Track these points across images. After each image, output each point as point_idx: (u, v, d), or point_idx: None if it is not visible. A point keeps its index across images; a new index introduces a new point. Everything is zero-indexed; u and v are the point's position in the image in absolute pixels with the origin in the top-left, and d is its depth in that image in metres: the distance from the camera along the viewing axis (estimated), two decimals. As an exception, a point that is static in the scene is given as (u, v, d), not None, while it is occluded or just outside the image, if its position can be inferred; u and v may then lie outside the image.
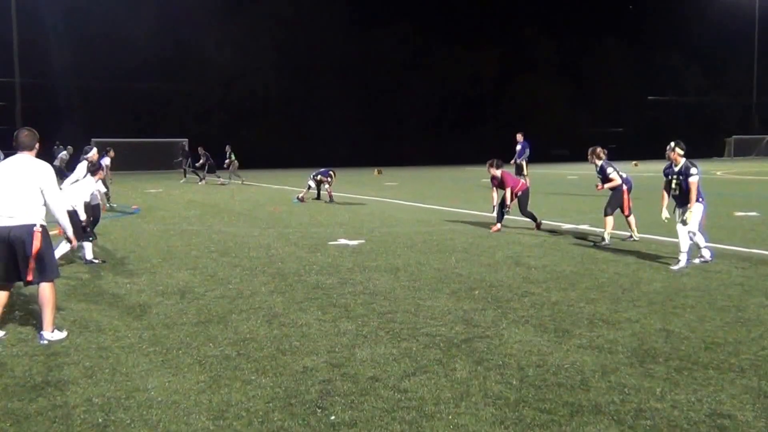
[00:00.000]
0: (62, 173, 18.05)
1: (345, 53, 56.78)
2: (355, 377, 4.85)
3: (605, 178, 11.59)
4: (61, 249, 8.92)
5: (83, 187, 9.58)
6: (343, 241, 11.52)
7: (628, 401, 4.41)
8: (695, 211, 9.18)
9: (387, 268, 9.09)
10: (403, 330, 6.05)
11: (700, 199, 9.42)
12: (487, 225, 13.93)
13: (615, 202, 11.43)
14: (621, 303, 7.04)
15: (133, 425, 4.05)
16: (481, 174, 38.47)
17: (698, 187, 9.32)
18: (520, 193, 13.35)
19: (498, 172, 13.33)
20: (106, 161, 17.93)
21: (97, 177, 9.90)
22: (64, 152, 26.23)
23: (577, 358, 5.27)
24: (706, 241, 9.48)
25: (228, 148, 30.96)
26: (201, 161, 30.39)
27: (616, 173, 11.50)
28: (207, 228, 13.69)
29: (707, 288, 7.69)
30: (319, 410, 4.27)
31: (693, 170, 9.43)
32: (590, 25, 65.97)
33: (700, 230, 9.29)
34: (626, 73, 67.49)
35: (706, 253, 9.38)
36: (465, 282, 8.13)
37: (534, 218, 13.31)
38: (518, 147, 25.58)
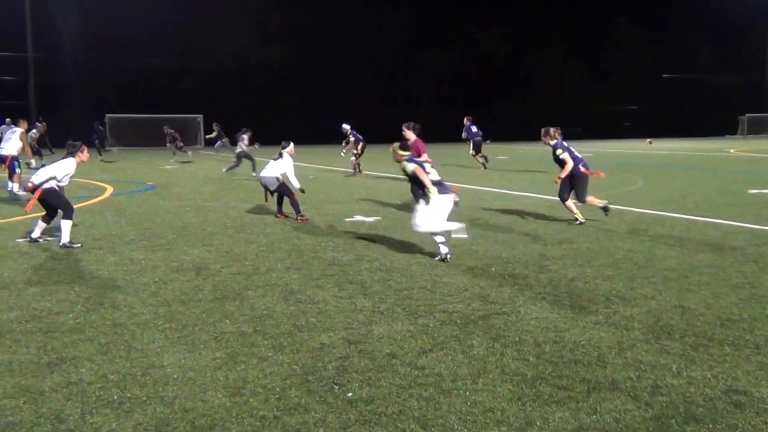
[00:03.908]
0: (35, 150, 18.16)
1: (357, 30, 56.34)
2: (372, 354, 4.80)
3: (557, 160, 10.79)
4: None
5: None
6: (359, 218, 11.45)
7: (645, 377, 4.35)
8: (432, 200, 7.90)
9: (403, 244, 9.01)
10: (420, 307, 5.99)
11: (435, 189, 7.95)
12: (499, 200, 13.82)
13: (582, 187, 10.66)
14: (637, 280, 6.94)
15: (149, 402, 4.02)
16: (496, 151, 38.20)
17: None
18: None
19: (412, 136, 11.49)
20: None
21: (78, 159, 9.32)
22: (34, 130, 25.93)
23: (593, 335, 5.20)
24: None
25: (217, 125, 30.45)
26: (213, 136, 30.11)
27: (568, 154, 10.67)
28: (223, 204, 13.66)
29: (722, 265, 7.57)
30: (336, 387, 4.23)
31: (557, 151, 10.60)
32: (603, 3, 65.02)
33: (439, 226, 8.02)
34: (640, 50, 66.62)
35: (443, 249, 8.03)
36: (481, 258, 8.05)
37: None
38: (473, 129, 25.40)
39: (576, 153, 10.80)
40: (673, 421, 3.75)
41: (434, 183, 8.02)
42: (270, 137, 47.75)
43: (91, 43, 46.96)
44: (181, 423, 3.74)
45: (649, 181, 18.76)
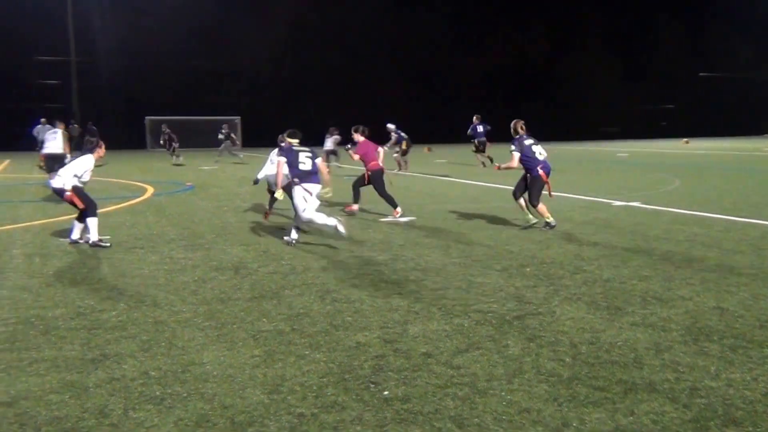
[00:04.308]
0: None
1: (393, 32, 56.38)
2: (407, 353, 4.80)
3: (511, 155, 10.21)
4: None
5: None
6: (393, 218, 11.46)
7: (683, 379, 4.27)
8: (296, 194, 9.08)
9: (438, 244, 9.00)
10: (455, 306, 5.97)
11: (296, 180, 9.11)
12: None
13: (537, 191, 10.03)
14: (674, 281, 6.83)
15: (189, 398, 4.07)
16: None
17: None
18: (370, 172, 11.99)
19: (360, 138, 12.13)
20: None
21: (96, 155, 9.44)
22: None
23: (630, 336, 5.13)
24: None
25: (226, 127, 30.87)
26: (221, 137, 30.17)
27: (517, 154, 10.03)
28: (260, 205, 13.77)
29: (761, 266, 7.42)
30: (373, 385, 4.23)
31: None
32: (641, 2, 64.06)
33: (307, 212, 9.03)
34: (678, 49, 65.42)
35: (293, 234, 9.28)
36: (516, 259, 8.00)
37: (393, 203, 11.93)
38: (479, 128, 25.44)
39: (538, 155, 10.07)
40: (712, 423, 3.68)
41: (302, 173, 9.10)
42: (307, 138, 48.19)
43: (132, 47, 47.72)
44: (220, 419, 3.78)
45: (686, 181, 18.44)
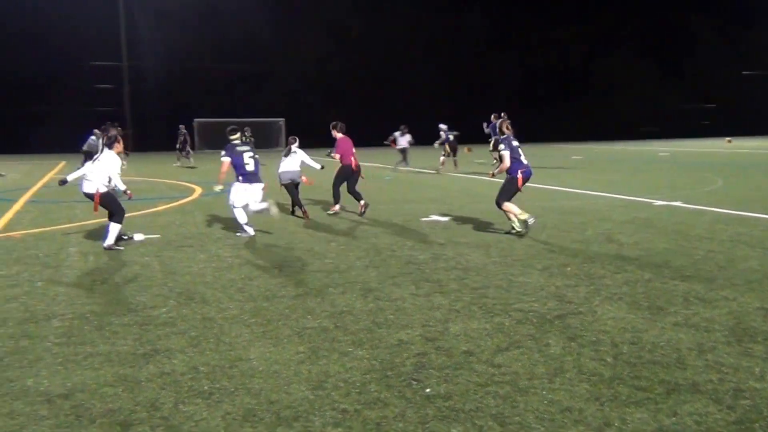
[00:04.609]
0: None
1: (432, 31, 56.26)
2: (449, 351, 4.78)
3: (500, 157, 9.75)
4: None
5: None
6: (434, 217, 11.43)
7: (727, 380, 4.17)
8: (234, 188, 9.92)
9: (478, 243, 8.94)
10: (495, 305, 5.93)
11: (240, 178, 9.97)
12: (573, 200, 13.54)
13: (507, 192, 9.54)
14: (717, 281, 6.66)
15: (236, 393, 4.12)
16: (570, 151, 37.44)
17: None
18: (343, 166, 12.30)
19: (339, 135, 12.48)
20: None
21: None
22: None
23: (672, 336, 5.02)
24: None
25: (248, 130, 31.07)
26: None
27: (507, 153, 9.51)
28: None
29: (810, 266, 7.19)
30: (415, 383, 4.23)
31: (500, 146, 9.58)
32: (678, 1, 62.69)
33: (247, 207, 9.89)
34: (718, 48, 63.81)
35: (249, 230, 9.92)
36: (556, 258, 7.90)
37: (359, 198, 12.18)
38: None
39: (523, 158, 9.62)
40: (757, 425, 3.58)
41: (247, 173, 10.00)
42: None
43: (180, 51, 48.55)
44: (266, 414, 3.82)
45: (728, 181, 17.99)
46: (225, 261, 8.11)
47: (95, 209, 9.01)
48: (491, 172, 10.41)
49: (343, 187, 12.32)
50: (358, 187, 12.44)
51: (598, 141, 53.77)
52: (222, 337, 5.17)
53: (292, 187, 12.43)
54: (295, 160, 12.42)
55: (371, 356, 4.70)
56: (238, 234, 9.93)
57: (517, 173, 9.43)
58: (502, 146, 9.56)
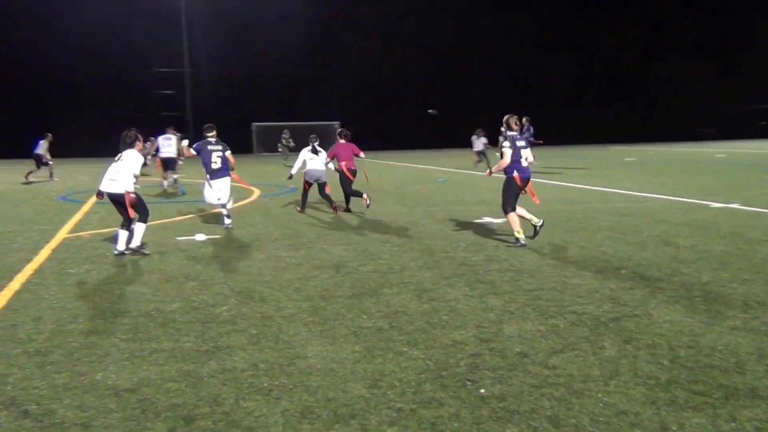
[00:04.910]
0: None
1: (485, 34, 55.84)
2: (503, 352, 4.73)
3: (501, 153, 9.08)
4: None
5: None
6: (487, 219, 11.34)
7: (788, 387, 4.01)
8: (205, 186, 11.01)
9: (532, 245, 8.83)
10: (549, 307, 5.84)
11: (208, 176, 10.98)
12: (627, 202, 13.23)
13: (508, 195, 8.96)
14: (778, 284, 6.42)
15: (295, 390, 4.16)
16: (623, 152, 36.65)
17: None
18: (341, 170, 12.85)
19: (341, 141, 13.08)
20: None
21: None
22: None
23: (731, 340, 4.86)
24: None
25: (287, 132, 31.37)
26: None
27: (509, 151, 8.89)
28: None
29: None
30: (469, 383, 4.20)
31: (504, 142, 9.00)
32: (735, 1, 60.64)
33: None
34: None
35: (227, 220, 11.01)
36: (611, 261, 7.74)
37: (330, 201, 12.87)
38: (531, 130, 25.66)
39: (524, 160, 9.01)
40: (823, 434, 3.44)
41: (213, 171, 10.95)
42: (403, 142, 48.41)
43: (240, 58, 49.45)
44: (324, 411, 3.85)
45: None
46: (283, 261, 8.21)
47: (131, 212, 8.61)
48: (489, 170, 9.93)
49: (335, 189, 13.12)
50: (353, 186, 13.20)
51: (651, 142, 52.45)
52: (280, 336, 5.24)
53: (316, 185, 13.09)
54: (321, 159, 13.05)
55: (426, 356, 4.69)
56: (224, 227, 10.91)
57: (513, 172, 8.89)
58: (506, 143, 8.89)
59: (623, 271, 7.16)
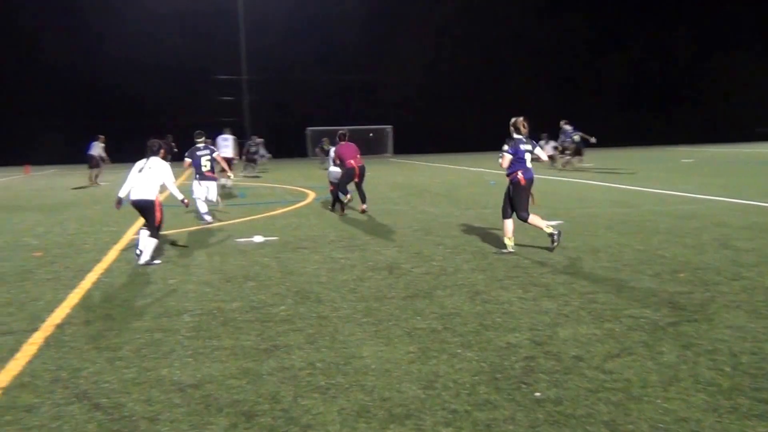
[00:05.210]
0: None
1: (537, 36, 55.13)
2: (558, 356, 4.66)
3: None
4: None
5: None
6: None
7: None
8: (194, 185, 12.37)
9: (586, 248, 8.67)
10: (605, 311, 5.72)
11: (197, 177, 12.46)
12: (685, 204, 12.85)
13: (522, 199, 8.54)
14: None
15: (351, 389, 4.18)
16: (680, 153, 35.61)
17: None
18: (346, 169, 13.16)
19: (341, 143, 13.49)
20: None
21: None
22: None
23: (797, 348, 4.67)
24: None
25: (327, 139, 31.06)
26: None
27: (509, 156, 8.44)
28: (411, 208, 13.95)
29: None
30: (524, 386, 4.15)
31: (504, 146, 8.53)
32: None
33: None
34: None
35: (207, 217, 12.16)
36: (669, 264, 7.53)
37: (364, 199, 13.40)
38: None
39: (528, 162, 8.58)
40: None
41: (202, 173, 12.51)
42: (455, 144, 48.16)
43: (294, 64, 50.08)
44: (379, 411, 3.86)
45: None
46: (338, 262, 8.27)
47: (159, 219, 8.57)
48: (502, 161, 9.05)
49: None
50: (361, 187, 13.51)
51: (709, 143, 50.84)
52: (336, 335, 5.28)
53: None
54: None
55: (480, 358, 4.66)
56: (201, 222, 12.09)
57: (518, 174, 8.49)
58: (506, 147, 8.46)
59: (682, 275, 6.96)
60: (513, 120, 8.66)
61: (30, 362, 4.81)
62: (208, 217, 12.17)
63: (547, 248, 8.66)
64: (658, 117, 55.25)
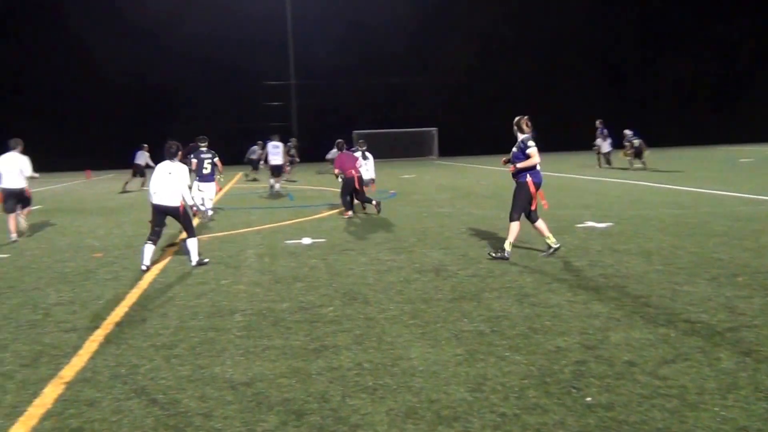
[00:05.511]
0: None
1: (586, 33, 54.16)
2: (609, 360, 4.55)
3: (525, 155, 8.30)
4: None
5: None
6: (590, 224, 10.98)
7: None
8: (194, 185, 12.83)
9: (638, 251, 8.46)
10: (659, 315, 5.57)
11: (198, 178, 13.51)
12: (745, 205, 12.42)
13: (520, 201, 8.34)
14: None
15: (398, 390, 4.17)
16: (738, 153, 34.44)
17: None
18: (346, 179, 13.46)
19: (339, 152, 14.10)
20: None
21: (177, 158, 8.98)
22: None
23: None
24: None
25: (363, 144, 30.92)
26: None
27: (536, 150, 8.24)
28: (457, 210, 13.87)
29: None
30: (575, 390, 4.07)
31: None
32: None
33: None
34: None
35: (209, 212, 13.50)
36: (726, 267, 7.29)
37: (369, 202, 13.86)
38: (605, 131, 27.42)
39: (537, 166, 8.41)
40: None
41: (203, 176, 13.68)
42: (501, 146, 47.73)
43: (341, 68, 50.38)
44: (427, 413, 3.84)
45: None
46: (384, 264, 8.27)
47: (190, 219, 8.75)
48: (504, 160, 8.85)
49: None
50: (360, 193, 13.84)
51: (768, 143, 49.13)
52: (383, 337, 5.28)
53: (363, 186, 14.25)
54: (370, 164, 14.71)
55: (528, 362, 4.59)
56: (204, 219, 13.11)
57: (527, 177, 8.30)
58: (531, 143, 8.26)
59: (740, 279, 6.73)
60: (516, 119, 8.56)
61: (92, 358, 4.96)
62: (210, 212, 13.60)
63: (604, 249, 8.49)
64: (716, 115, 53.62)
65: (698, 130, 51.47)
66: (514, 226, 8.36)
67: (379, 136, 47.09)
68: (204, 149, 13.98)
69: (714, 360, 4.49)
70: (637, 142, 25.23)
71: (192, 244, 8.64)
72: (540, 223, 8.49)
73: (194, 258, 8.57)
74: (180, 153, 8.94)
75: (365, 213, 14.03)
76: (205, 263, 8.59)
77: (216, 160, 13.88)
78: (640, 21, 55.06)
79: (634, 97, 53.70)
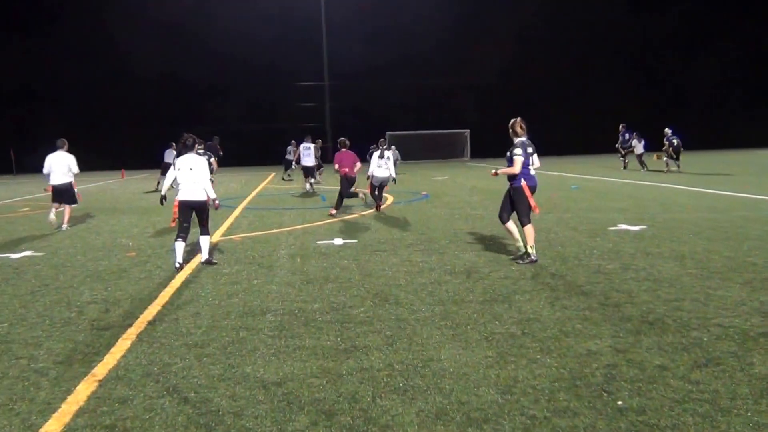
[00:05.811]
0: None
1: (621, 36, 53.49)
2: (641, 364, 4.51)
3: (511, 162, 8.39)
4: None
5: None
6: (623, 227, 10.85)
7: None
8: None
9: (672, 255, 8.35)
10: (691, 319, 5.49)
11: None
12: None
13: (524, 206, 8.39)
14: None
15: (429, 391, 4.19)
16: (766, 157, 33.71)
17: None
18: (342, 175, 13.95)
19: (341, 149, 14.23)
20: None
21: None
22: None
23: None
24: None
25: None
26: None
27: (521, 158, 8.24)
28: (489, 212, 13.81)
29: None
30: (606, 394, 4.04)
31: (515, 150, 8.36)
32: None
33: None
34: None
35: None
36: (761, 272, 7.15)
37: (344, 198, 14.18)
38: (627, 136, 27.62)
39: (531, 170, 8.47)
40: None
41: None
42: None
43: (374, 70, 50.53)
44: (457, 414, 3.85)
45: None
46: (416, 265, 8.29)
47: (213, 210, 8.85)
48: (494, 171, 8.96)
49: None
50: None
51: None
52: (414, 338, 5.29)
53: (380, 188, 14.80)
54: (389, 164, 14.84)
55: (559, 364, 4.57)
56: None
57: (521, 181, 8.34)
58: (517, 150, 8.28)
59: (775, 284, 6.61)
60: (511, 122, 8.52)
61: (124, 356, 5.06)
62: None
63: (637, 252, 8.39)
64: (751, 118, 52.53)
65: (733, 134, 50.49)
66: (529, 229, 8.47)
67: (412, 138, 47.12)
68: (200, 151, 14.13)
69: (747, 365, 4.42)
70: (676, 141, 25.26)
71: (205, 241, 8.84)
72: (511, 225, 8.58)
73: (204, 255, 8.77)
74: (196, 145, 8.97)
75: (383, 214, 14.05)
76: (214, 264, 8.71)
77: (212, 160, 14.45)
78: (676, 21, 54.13)
79: (667, 99, 52.85)
